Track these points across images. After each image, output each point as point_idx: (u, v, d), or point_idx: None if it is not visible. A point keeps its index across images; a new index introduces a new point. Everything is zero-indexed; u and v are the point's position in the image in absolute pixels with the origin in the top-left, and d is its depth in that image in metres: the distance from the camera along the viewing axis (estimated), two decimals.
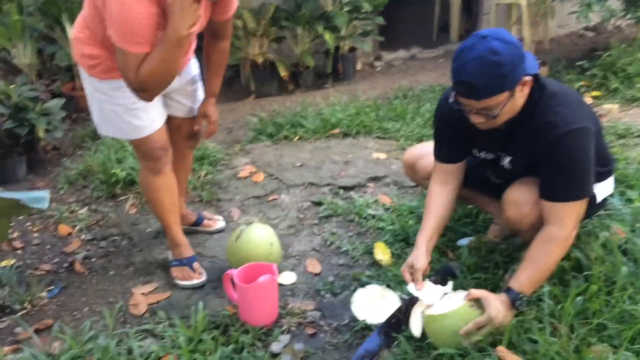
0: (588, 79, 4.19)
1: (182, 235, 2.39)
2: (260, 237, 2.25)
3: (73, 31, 2.08)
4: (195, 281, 2.31)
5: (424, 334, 1.81)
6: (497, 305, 1.69)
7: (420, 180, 2.38)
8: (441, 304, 1.79)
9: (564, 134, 1.72)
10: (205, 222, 2.68)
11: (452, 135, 2.00)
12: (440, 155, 2.07)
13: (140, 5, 1.76)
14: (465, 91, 1.70)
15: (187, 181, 2.69)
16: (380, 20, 4.92)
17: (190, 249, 2.40)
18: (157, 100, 2.16)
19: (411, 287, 1.89)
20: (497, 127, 1.83)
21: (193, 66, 2.34)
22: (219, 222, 2.70)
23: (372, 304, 2.04)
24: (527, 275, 1.75)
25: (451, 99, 1.81)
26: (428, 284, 1.90)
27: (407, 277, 1.92)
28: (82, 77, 2.14)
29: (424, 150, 2.31)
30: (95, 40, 2.01)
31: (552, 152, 1.75)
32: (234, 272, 2.05)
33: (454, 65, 1.71)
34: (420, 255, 1.94)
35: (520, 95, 1.75)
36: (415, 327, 1.81)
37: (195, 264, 2.36)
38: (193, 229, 2.64)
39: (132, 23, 1.77)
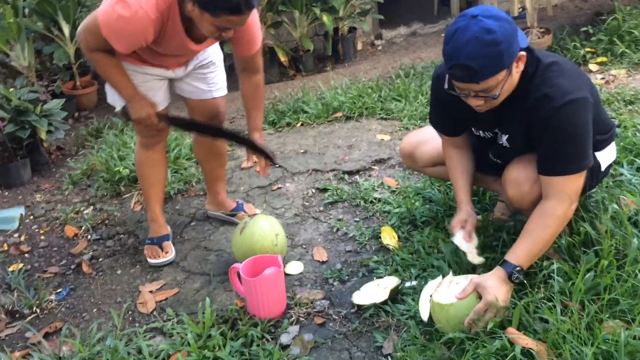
0: (593, 45, 4.08)
1: (160, 214, 2.50)
2: (264, 228, 2.23)
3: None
4: (162, 260, 2.41)
5: (431, 318, 1.79)
6: (492, 286, 1.66)
7: (420, 169, 2.34)
8: (449, 291, 1.76)
9: (561, 106, 1.67)
10: (241, 214, 2.61)
11: (450, 114, 1.97)
12: (447, 131, 2.09)
13: (148, 25, 1.88)
14: (464, 75, 1.64)
15: (223, 166, 2.63)
16: None
17: (164, 228, 2.50)
18: (161, 85, 2.27)
19: (457, 239, 1.94)
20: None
21: (210, 51, 2.31)
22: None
23: (372, 291, 2.02)
24: (523, 249, 1.72)
25: (446, 85, 1.76)
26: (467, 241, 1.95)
27: (456, 229, 1.95)
28: None
29: (421, 138, 2.27)
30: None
31: (549, 125, 1.70)
32: (240, 266, 2.03)
33: (448, 49, 1.65)
34: (471, 212, 1.99)
35: (517, 72, 1.71)
36: (424, 311, 1.79)
37: (165, 243, 2.46)
38: (229, 218, 2.63)
39: (124, 28, 1.89)
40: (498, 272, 1.70)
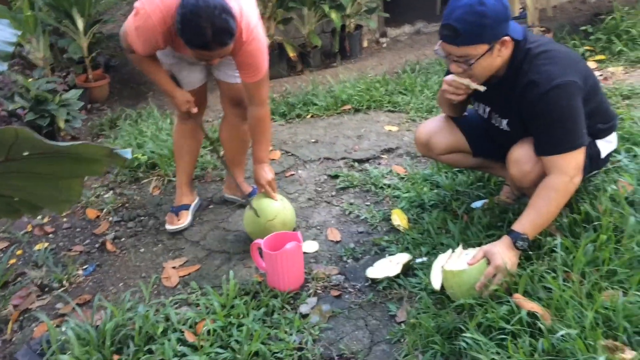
0: (592, 44, 4.23)
1: (185, 184, 2.69)
2: (268, 200, 2.39)
3: None
4: (175, 226, 2.62)
5: (442, 287, 1.91)
6: (500, 252, 1.80)
7: (435, 156, 2.42)
8: (459, 261, 1.89)
9: (547, 91, 1.82)
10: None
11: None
12: None
13: (157, 35, 2.14)
14: (449, 35, 1.83)
15: (243, 154, 2.75)
16: None
17: (186, 198, 2.70)
18: (195, 67, 2.47)
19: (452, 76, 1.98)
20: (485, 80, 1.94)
21: None
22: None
23: (385, 266, 2.15)
24: (528, 219, 1.85)
25: (436, 47, 1.93)
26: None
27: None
28: None
29: (436, 126, 2.36)
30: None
31: (537, 110, 1.85)
32: (262, 242, 2.16)
33: (445, 11, 1.85)
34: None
35: (498, 55, 1.86)
36: (435, 281, 1.92)
37: (182, 212, 2.66)
38: (246, 201, 2.67)
39: (139, 35, 2.17)
40: (505, 240, 1.84)
